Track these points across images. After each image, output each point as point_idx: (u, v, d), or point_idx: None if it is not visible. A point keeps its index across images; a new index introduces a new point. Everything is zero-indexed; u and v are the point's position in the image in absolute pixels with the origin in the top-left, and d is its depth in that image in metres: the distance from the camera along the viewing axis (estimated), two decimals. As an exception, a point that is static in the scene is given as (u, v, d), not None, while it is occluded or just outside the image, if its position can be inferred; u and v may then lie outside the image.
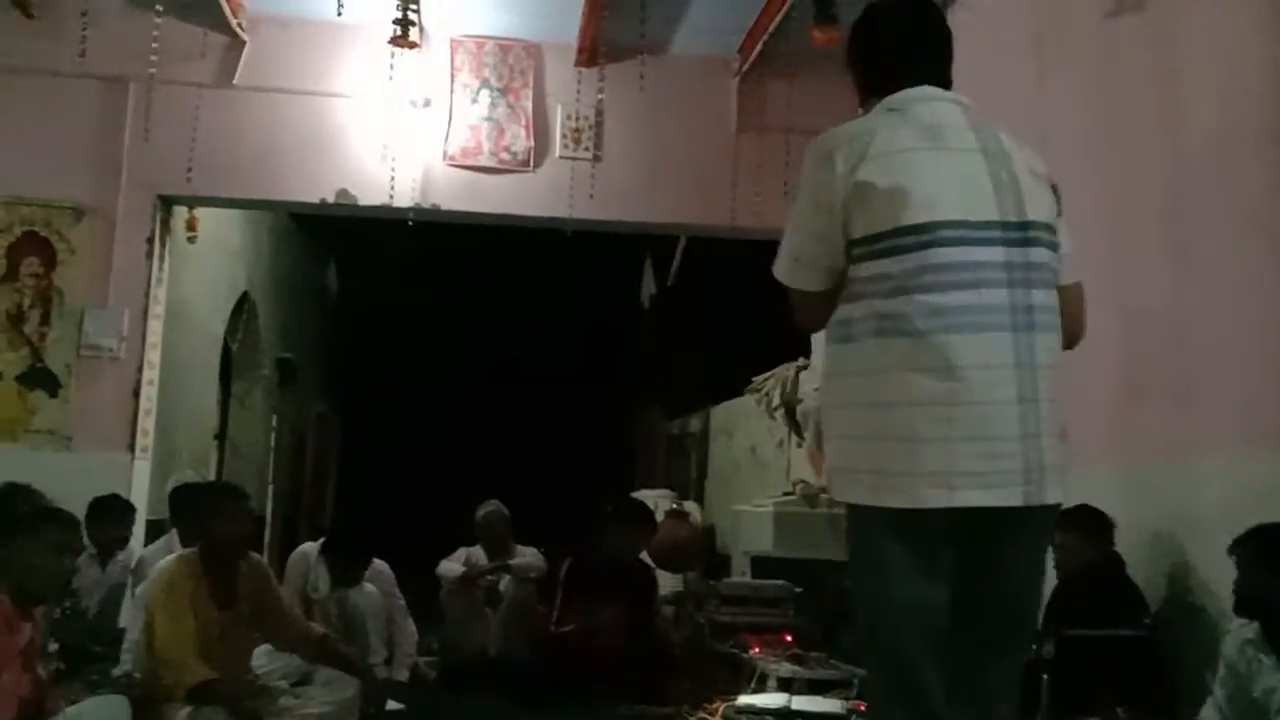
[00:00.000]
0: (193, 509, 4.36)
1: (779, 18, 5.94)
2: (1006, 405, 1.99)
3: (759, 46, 6.31)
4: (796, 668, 4.85)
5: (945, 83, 2.23)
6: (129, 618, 4.57)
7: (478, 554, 6.09)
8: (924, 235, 2.01)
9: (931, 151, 2.08)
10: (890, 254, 2.02)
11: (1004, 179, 2.08)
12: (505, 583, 5.96)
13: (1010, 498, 1.99)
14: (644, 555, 6.23)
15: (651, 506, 7.62)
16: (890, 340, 2.01)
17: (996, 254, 2.04)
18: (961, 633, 2.06)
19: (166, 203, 6.42)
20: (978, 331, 1.99)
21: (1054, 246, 2.12)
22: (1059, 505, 2.09)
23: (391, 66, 6.21)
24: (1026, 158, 2.15)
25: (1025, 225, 2.07)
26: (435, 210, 6.50)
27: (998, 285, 2.02)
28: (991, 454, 1.98)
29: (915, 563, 2.03)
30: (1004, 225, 2.05)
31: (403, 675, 5.36)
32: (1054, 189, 2.18)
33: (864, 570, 2.12)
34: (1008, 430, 1.99)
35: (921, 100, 2.16)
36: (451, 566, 6.02)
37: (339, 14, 5.77)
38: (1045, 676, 3.28)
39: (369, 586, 5.25)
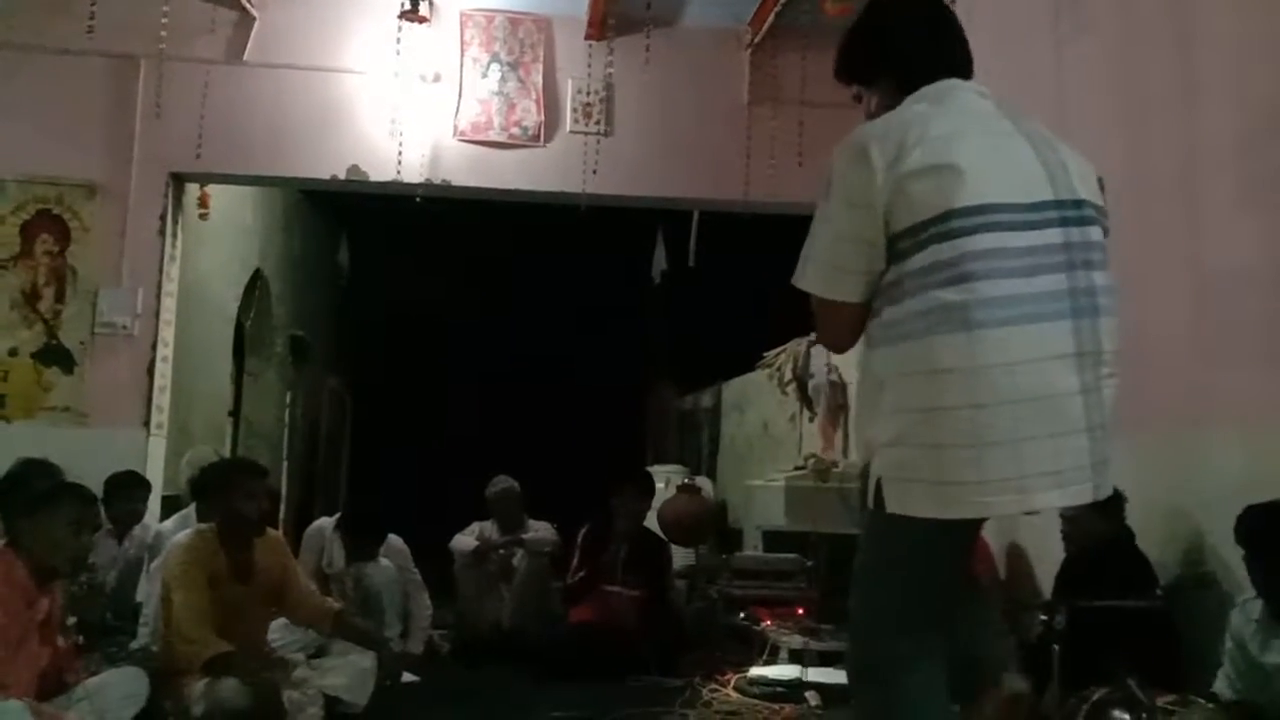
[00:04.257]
0: (211, 485, 4.38)
1: (790, -12, 5.90)
2: (1070, 397, 1.88)
3: (770, 18, 6.25)
4: (808, 640, 4.87)
5: (968, 76, 2.13)
6: (145, 592, 4.62)
7: (490, 528, 6.13)
8: (978, 218, 1.88)
9: (978, 135, 1.98)
10: (944, 238, 1.88)
11: (1052, 161, 1.99)
12: (519, 557, 6.00)
13: (1081, 495, 1.92)
14: (658, 529, 6.27)
15: (664, 482, 7.69)
16: (947, 336, 1.86)
17: (1054, 236, 1.92)
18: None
19: (178, 180, 6.41)
20: (1034, 322, 1.87)
21: (1107, 231, 2.02)
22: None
23: (400, 41, 6.21)
24: (1070, 148, 2.06)
25: (1080, 204, 1.97)
26: (445, 186, 6.48)
27: (1055, 270, 1.90)
28: (1061, 450, 1.88)
29: (953, 566, 2.01)
30: (1059, 204, 1.94)
31: (418, 648, 5.41)
32: (1100, 183, 2.07)
33: (895, 578, 2.01)
34: (1075, 424, 1.89)
35: (951, 91, 2.06)
36: (465, 540, 6.07)
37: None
38: (1056, 648, 3.30)
39: (384, 561, 5.30)
